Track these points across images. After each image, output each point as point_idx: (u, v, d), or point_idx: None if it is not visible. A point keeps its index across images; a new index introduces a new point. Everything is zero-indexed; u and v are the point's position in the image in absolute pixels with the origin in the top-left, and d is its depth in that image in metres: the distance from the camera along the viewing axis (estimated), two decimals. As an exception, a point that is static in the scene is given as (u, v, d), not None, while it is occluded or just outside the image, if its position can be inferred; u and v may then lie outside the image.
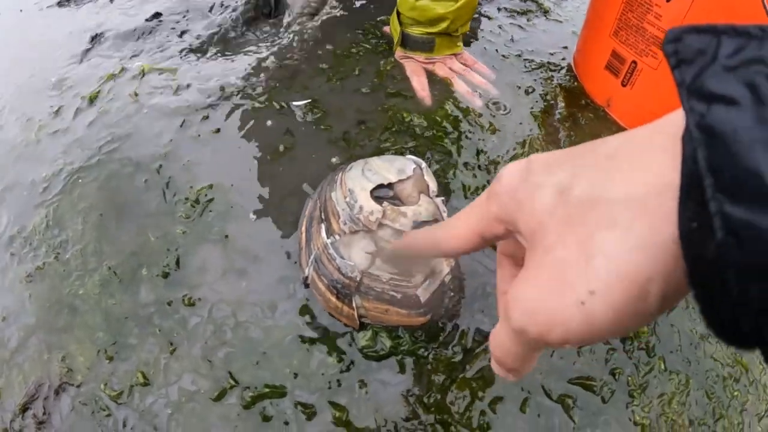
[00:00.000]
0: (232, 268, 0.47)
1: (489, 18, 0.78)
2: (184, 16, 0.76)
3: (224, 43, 0.71)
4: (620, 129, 0.64)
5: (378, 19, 0.74)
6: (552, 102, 0.67)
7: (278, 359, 0.43)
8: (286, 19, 0.74)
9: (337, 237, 0.42)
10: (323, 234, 0.42)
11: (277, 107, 0.60)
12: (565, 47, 0.75)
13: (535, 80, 0.69)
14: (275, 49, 0.70)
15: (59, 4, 0.86)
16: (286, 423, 0.40)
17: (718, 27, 0.15)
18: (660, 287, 0.16)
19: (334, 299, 0.42)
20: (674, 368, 0.48)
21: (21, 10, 0.87)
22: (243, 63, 0.67)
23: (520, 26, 0.77)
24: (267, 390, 0.41)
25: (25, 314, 0.47)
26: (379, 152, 0.55)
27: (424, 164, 0.44)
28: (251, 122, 0.58)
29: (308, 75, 0.65)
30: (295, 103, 0.60)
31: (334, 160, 0.54)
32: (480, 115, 0.61)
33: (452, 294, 0.44)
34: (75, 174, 0.55)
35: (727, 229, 0.13)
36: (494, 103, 0.63)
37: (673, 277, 0.16)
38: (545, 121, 0.64)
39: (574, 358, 0.46)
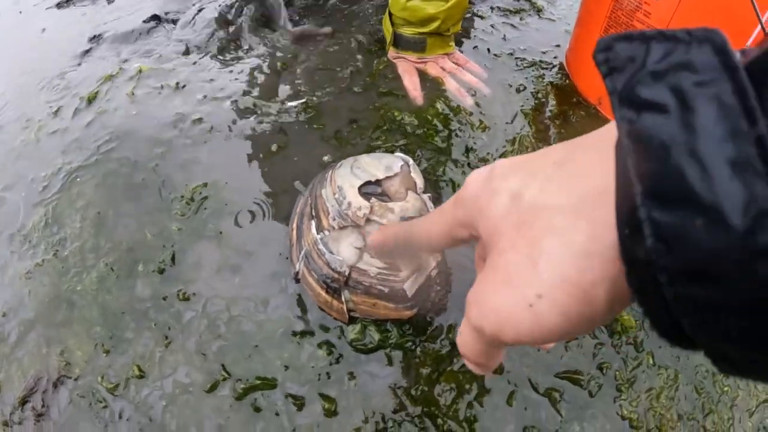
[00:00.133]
0: (226, 264, 0.48)
1: (482, 17, 0.79)
2: (181, 18, 0.78)
3: (220, 44, 0.72)
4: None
5: (371, 21, 0.75)
6: (543, 100, 0.67)
7: (270, 352, 0.44)
8: (281, 21, 0.75)
9: (326, 233, 0.42)
10: (313, 230, 0.43)
11: (272, 107, 0.61)
12: (558, 46, 0.75)
13: (526, 78, 0.69)
14: (270, 50, 0.71)
15: (58, 6, 0.87)
16: (277, 414, 0.41)
17: (647, 33, 0.15)
18: (607, 291, 0.17)
19: (324, 294, 0.43)
20: (663, 363, 0.48)
21: (20, 12, 0.88)
22: (238, 64, 0.68)
23: (512, 25, 0.78)
24: (258, 382, 0.42)
25: (25, 310, 0.48)
26: (371, 150, 0.56)
27: (411, 161, 0.45)
28: (246, 122, 0.59)
29: (302, 75, 0.66)
30: (289, 103, 0.61)
31: (326, 158, 0.55)
32: (470, 114, 0.62)
33: (439, 288, 0.45)
34: (73, 173, 0.56)
35: (657, 235, 0.13)
36: (484, 103, 0.64)
37: (619, 282, 0.16)
38: (536, 118, 0.64)
39: (562, 352, 0.46)
